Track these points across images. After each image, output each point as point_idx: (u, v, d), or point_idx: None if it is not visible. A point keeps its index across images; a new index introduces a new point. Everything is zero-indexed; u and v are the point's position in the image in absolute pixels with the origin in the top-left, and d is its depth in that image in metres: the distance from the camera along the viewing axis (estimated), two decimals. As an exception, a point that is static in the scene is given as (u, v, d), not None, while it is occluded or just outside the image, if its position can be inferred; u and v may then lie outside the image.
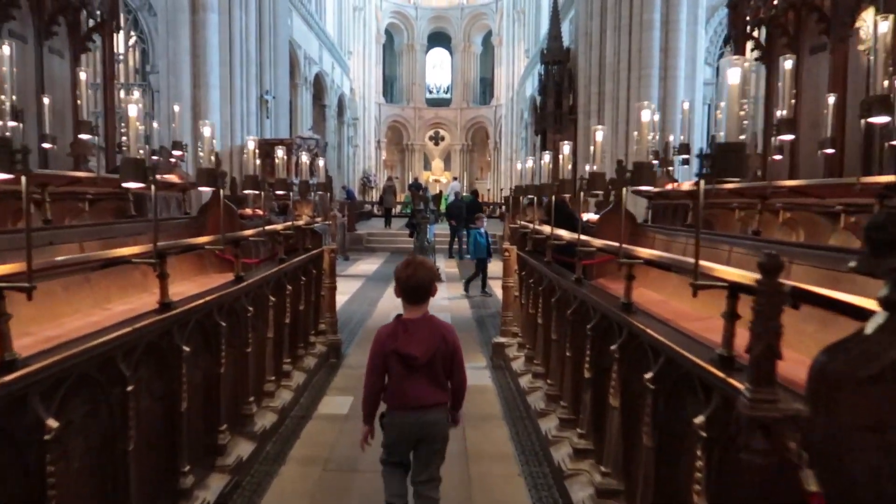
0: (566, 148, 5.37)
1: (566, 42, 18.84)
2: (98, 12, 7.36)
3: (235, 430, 3.96)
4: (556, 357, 4.48)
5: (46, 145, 5.52)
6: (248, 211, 7.46)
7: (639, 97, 16.08)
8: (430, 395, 2.77)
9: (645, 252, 3.32)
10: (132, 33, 17.15)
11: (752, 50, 8.45)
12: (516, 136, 35.26)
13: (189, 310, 3.21)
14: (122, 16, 15.72)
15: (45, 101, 5.49)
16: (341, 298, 9.78)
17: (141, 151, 2.94)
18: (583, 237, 4.44)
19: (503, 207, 26.46)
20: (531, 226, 5.67)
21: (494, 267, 12.45)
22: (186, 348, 3.12)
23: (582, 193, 5.34)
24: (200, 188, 4.67)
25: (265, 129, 17.07)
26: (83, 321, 2.93)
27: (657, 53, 15.96)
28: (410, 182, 34.01)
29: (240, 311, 4.05)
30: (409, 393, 2.75)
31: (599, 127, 4.08)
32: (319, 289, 5.98)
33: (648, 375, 2.63)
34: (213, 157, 3.99)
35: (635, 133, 3.77)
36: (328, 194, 18.78)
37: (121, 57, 17.28)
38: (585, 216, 8.03)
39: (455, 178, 36.81)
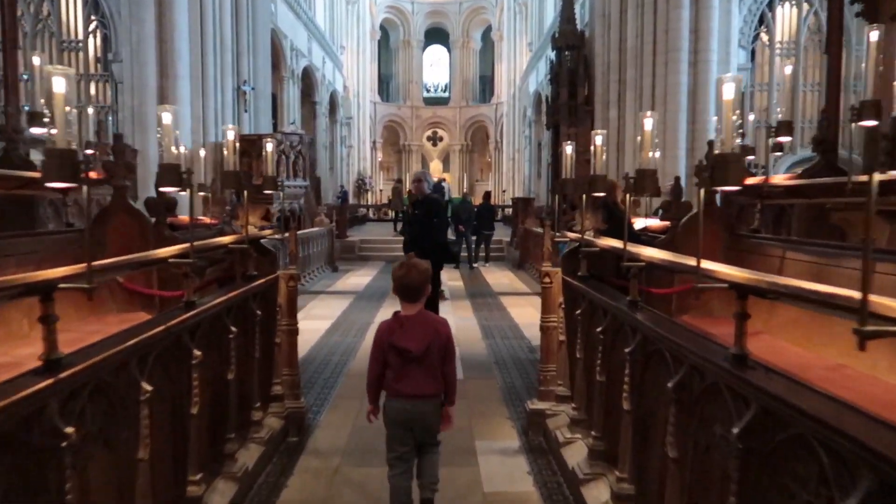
0: (598, 138, 3.89)
1: (579, 26, 16.93)
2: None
3: None
4: (657, 463, 2.58)
5: None
6: (184, 219, 5.56)
7: (665, 84, 14.20)
8: (425, 385, 2.98)
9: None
10: (92, 17, 15.22)
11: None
12: (519, 134, 33.43)
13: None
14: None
15: None
16: (320, 327, 7.85)
17: (72, 143, 2.12)
18: (678, 258, 2.63)
19: (509, 210, 24.64)
20: (589, 238, 3.75)
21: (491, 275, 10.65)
22: None
23: (627, 195, 3.64)
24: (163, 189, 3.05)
25: (243, 123, 15.15)
26: None
27: (686, 34, 14.05)
28: (415, 180, 32.09)
29: (126, 390, 2.17)
30: (405, 383, 2.96)
31: (649, 113, 3.26)
32: (271, 336, 4.06)
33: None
34: (177, 150, 3.15)
35: (714, 118, 2.48)
36: (314, 196, 16.98)
37: (79, 44, 15.38)
38: (641, 222, 6.14)
39: (443, 180, 34.85)
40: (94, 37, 15.50)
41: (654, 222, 5.94)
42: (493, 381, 5.63)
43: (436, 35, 42.80)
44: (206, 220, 6.17)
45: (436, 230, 7.03)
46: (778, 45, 15.50)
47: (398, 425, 3.00)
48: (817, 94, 15.45)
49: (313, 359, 6.33)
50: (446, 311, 9.19)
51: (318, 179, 18.74)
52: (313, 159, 23.75)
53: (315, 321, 8.28)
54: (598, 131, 3.95)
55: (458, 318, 8.65)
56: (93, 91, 15.68)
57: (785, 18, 15.82)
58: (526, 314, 8.93)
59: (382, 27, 40.83)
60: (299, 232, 11.85)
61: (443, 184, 28.53)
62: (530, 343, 7.07)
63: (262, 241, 4.18)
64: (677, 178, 5.21)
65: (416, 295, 2.97)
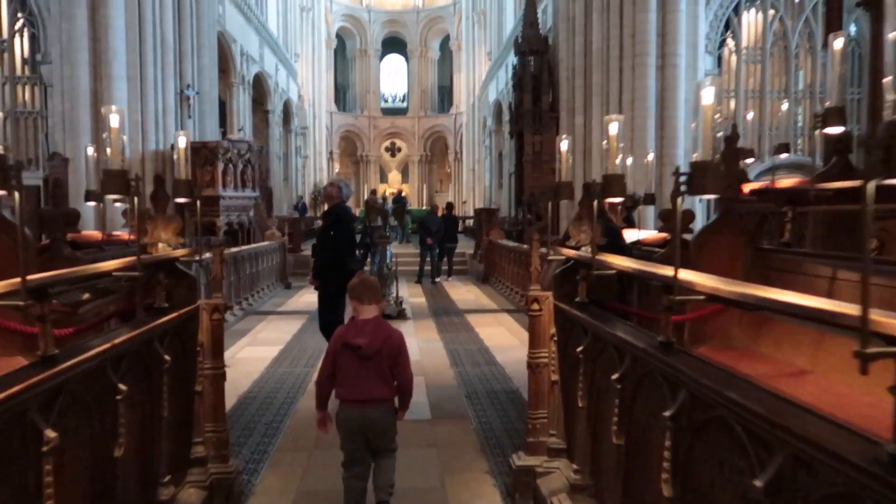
0: (564, 144, 3.59)
1: (542, 30, 16.37)
2: None
3: None
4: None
5: None
6: (92, 234, 4.66)
7: (632, 90, 13.71)
8: (375, 388, 2.99)
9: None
10: (19, 14, 14.02)
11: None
12: (479, 144, 32.87)
13: None
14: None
15: None
16: (266, 355, 6.92)
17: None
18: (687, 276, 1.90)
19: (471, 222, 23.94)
20: (604, 259, 2.96)
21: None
22: None
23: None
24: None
25: (187, 130, 14.04)
26: None
27: (654, 38, 13.61)
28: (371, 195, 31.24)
29: None
30: (356, 385, 2.98)
31: (614, 117, 3.06)
32: (188, 386, 3.17)
33: None
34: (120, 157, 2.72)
35: (693, 124, 1.52)
36: (266, 208, 15.93)
37: (4, 44, 14.14)
38: (632, 234, 5.41)
39: (400, 191, 34.04)
40: (22, 35, 14.31)
41: (648, 234, 5.23)
42: (466, 424, 4.79)
43: (393, 44, 42.09)
44: (124, 235, 5.23)
45: (331, 245, 5.68)
46: (744, 51, 15.19)
47: (351, 433, 3.03)
48: (788, 101, 15.18)
49: (254, 397, 5.41)
50: (408, 331, 8.35)
51: (270, 190, 17.73)
52: (267, 169, 22.71)
53: (261, 348, 7.34)
54: (564, 137, 3.69)
55: (423, 340, 7.81)
56: (20, 96, 14.46)
57: (751, 24, 15.53)
58: (496, 335, 8.14)
59: (338, 36, 39.92)
60: (247, 247, 10.88)
61: (403, 195, 27.71)
62: (504, 370, 6.28)
63: (179, 262, 3.28)
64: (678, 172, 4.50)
65: (369, 296, 3.09)
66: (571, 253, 3.26)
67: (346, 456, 3.07)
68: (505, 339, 7.94)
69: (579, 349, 2.96)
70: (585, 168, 14.90)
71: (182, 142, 3.51)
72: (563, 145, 3.59)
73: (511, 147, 24.47)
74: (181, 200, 3.38)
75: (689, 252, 3.44)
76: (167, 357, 2.78)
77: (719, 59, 15.00)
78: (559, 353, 3.36)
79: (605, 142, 3.21)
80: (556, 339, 3.38)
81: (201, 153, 12.86)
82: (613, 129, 3.07)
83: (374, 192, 24.89)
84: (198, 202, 3.57)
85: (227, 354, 7.24)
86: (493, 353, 7.07)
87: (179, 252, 3.18)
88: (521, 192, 16.50)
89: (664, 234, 4.69)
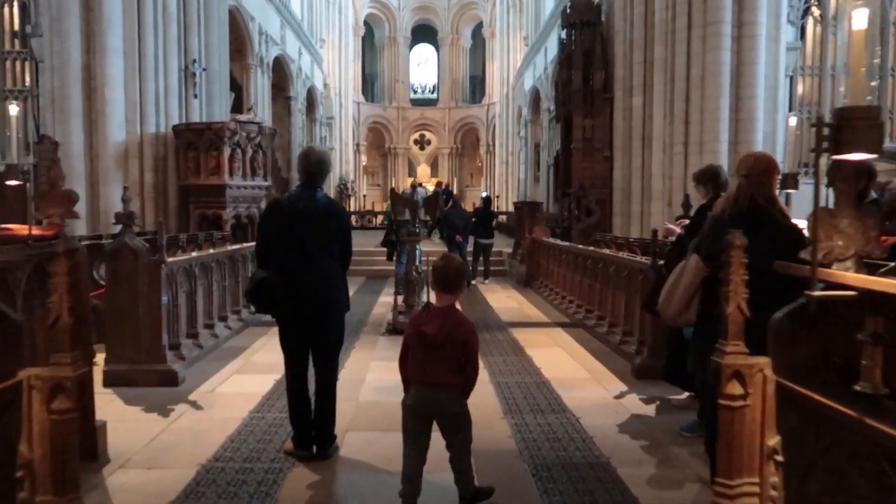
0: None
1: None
2: None
3: None
4: None
5: None
6: (25, 229, 3.05)
7: (702, 64, 11.78)
8: (443, 375, 2.98)
9: None
10: (6, -19, 12.57)
11: None
12: (513, 136, 31.06)
13: None
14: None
15: None
16: (254, 391, 5.16)
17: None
18: None
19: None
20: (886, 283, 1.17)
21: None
22: None
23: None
24: None
25: (192, 110, 12.50)
26: None
27: (728, 4, 11.64)
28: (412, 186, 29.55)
29: None
30: (422, 369, 3.01)
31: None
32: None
33: None
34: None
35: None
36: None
37: (-9, 14, 12.69)
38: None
39: (420, 184, 31.73)
40: (11, 6, 12.86)
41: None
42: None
43: (423, 32, 40.42)
44: (24, 230, 3.55)
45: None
46: (832, 22, 13.11)
47: (418, 414, 3.05)
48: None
49: (220, 469, 3.68)
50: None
51: (286, 181, 16.08)
52: (288, 159, 21.16)
53: (252, 378, 5.63)
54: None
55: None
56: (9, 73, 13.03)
57: (838, -10, 13.45)
58: (556, 362, 6.35)
59: (366, 23, 38.35)
60: (248, 244, 9.14)
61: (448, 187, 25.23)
62: (578, 423, 4.49)
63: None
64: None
65: (450, 286, 3.08)
66: (854, 279, 1.46)
67: (405, 437, 3.08)
68: (568, 368, 6.15)
69: None
70: (644, 158, 12.99)
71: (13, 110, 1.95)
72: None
73: (549, 137, 22.63)
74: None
75: None
76: None
77: (802, 29, 12.95)
78: (787, 488, 1.57)
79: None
80: (776, 457, 1.59)
81: (205, 136, 11.26)
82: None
83: (419, 184, 23.02)
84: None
85: (205, 388, 5.49)
86: (558, 391, 5.28)
87: None
88: (567, 183, 14.64)
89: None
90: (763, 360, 1.59)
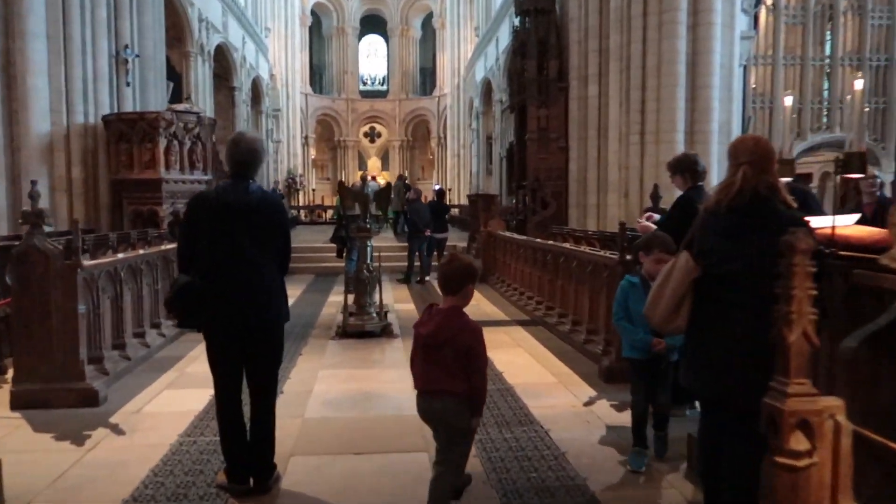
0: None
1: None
2: None
3: None
4: None
5: None
6: None
7: (658, 52, 11.55)
8: (438, 379, 2.77)
9: None
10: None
11: None
12: (465, 128, 30.72)
13: None
14: None
15: None
16: (191, 405, 4.59)
17: None
18: None
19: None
20: None
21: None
22: None
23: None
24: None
25: (124, 100, 11.68)
26: None
27: (684, -9, 11.41)
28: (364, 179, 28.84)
29: None
30: (422, 374, 2.83)
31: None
32: None
33: None
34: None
35: None
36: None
37: None
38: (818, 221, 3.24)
39: (373, 177, 30.60)
40: (-81, -16, 11.74)
41: (846, 221, 2.98)
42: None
43: (372, 23, 39.65)
44: None
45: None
46: (784, 13, 13.09)
47: (428, 424, 2.92)
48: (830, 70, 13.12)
49: (140, 509, 3.15)
50: (398, 360, 6.16)
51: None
52: (215, 146, 20.27)
53: (186, 392, 5.05)
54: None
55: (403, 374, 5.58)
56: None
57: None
58: (519, 365, 5.95)
59: (314, 13, 37.34)
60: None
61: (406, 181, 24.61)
62: (548, 436, 4.10)
63: None
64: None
65: (450, 287, 2.85)
66: None
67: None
68: (532, 372, 5.76)
69: None
70: (600, 149, 12.74)
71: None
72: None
73: (501, 129, 22.30)
74: None
75: None
76: None
77: (755, 18, 12.88)
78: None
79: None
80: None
81: (138, 126, 10.49)
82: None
83: (372, 178, 21.96)
84: None
85: (130, 407, 4.75)
86: (524, 399, 4.88)
87: None
88: (521, 175, 14.30)
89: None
90: (835, 403, 1.19)
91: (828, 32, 13.81)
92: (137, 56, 11.86)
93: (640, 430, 3.65)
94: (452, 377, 2.76)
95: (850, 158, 2.74)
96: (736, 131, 12.03)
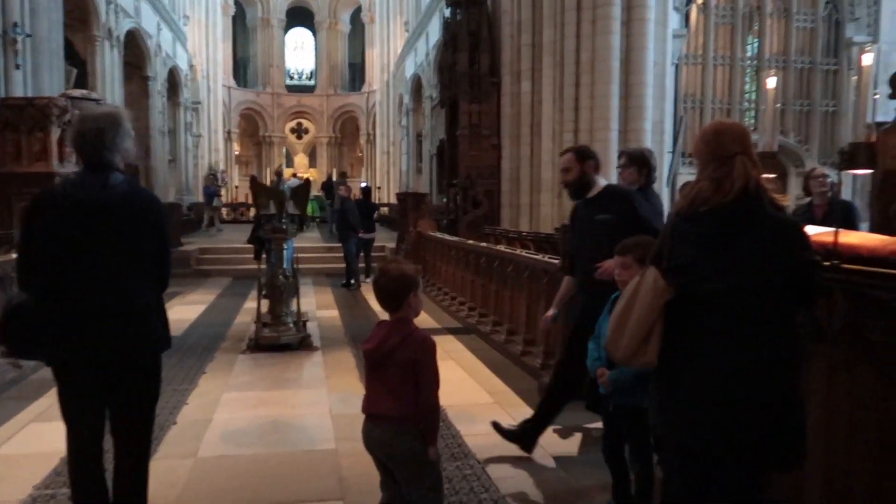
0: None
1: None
2: None
3: None
4: None
5: None
6: None
7: (592, 48, 11.24)
8: (381, 403, 2.40)
9: None
10: None
11: None
12: (394, 125, 30.08)
13: None
14: None
15: None
16: (52, 449, 3.83)
17: None
18: None
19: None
20: None
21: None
22: None
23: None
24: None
25: (13, 84, 10.51)
26: None
27: (618, -13, 11.14)
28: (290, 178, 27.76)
29: None
30: (366, 396, 2.50)
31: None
32: None
33: None
34: None
35: None
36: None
37: None
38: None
39: (295, 174, 29.38)
40: None
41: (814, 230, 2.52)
42: None
43: (299, 15, 38.44)
44: None
45: None
46: (714, 9, 13.05)
47: (375, 458, 2.50)
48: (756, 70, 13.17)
49: None
50: (316, 377, 5.50)
51: (136, 168, 14.12)
52: (147, 146, 18.95)
53: (51, 428, 4.09)
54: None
55: (338, 398, 4.95)
56: None
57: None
58: (450, 380, 5.36)
59: (237, 2, 35.83)
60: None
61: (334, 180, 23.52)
62: (485, 472, 3.54)
63: None
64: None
65: (389, 304, 2.48)
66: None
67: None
68: (465, 390, 5.20)
69: None
70: (533, 146, 12.36)
71: None
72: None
73: (432, 126, 21.76)
74: None
75: None
76: None
77: (686, 17, 12.80)
78: None
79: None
80: None
81: (27, 113, 9.34)
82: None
83: (294, 174, 21.13)
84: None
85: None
86: (457, 425, 4.30)
87: None
88: (452, 173, 13.79)
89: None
90: None
91: (750, 35, 13.93)
92: (29, 36, 10.70)
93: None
94: (396, 398, 2.37)
95: (857, 150, 2.30)
96: (668, 131, 11.88)
